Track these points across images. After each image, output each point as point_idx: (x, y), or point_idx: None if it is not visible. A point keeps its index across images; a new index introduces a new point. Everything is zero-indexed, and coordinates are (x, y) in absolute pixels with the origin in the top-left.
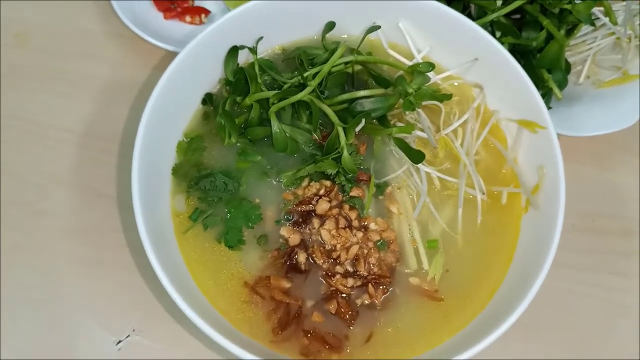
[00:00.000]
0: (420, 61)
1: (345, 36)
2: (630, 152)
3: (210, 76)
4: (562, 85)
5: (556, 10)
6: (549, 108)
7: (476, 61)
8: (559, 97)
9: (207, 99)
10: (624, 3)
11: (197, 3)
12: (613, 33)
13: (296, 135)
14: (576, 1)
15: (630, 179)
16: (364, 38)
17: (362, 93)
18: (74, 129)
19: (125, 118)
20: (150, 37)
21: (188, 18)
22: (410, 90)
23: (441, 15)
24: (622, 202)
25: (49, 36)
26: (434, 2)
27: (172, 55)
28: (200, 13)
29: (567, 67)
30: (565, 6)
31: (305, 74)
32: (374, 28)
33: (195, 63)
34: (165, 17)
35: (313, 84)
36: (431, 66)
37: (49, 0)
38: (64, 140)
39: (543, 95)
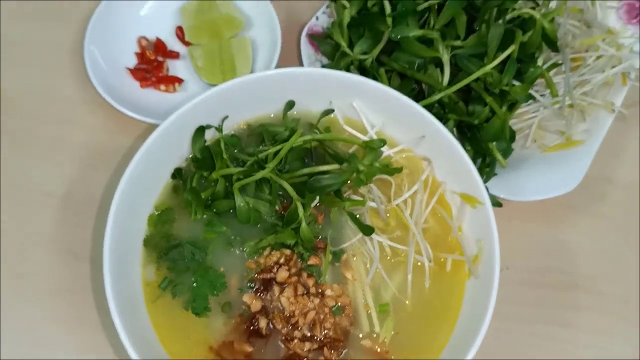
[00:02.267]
0: (374, 136)
1: (304, 111)
2: (575, 210)
3: (179, 152)
4: (506, 153)
5: (497, 91)
6: (494, 175)
7: (424, 138)
8: (503, 164)
9: (177, 174)
10: (564, 75)
11: (171, 72)
12: (557, 102)
13: (259, 206)
14: (514, 83)
15: (577, 236)
16: (319, 120)
17: (319, 169)
18: (53, 193)
19: (102, 183)
20: (125, 109)
21: (163, 87)
22: (361, 168)
23: (390, 98)
24: (570, 258)
25: (28, 102)
26: (383, 87)
27: (147, 124)
28: (174, 82)
29: (512, 136)
30: (505, 88)
31: (265, 154)
32: (329, 111)
33: (166, 141)
34: (141, 86)
35: (271, 165)
36: (382, 142)
37: (26, 67)
38: (43, 204)
39: (488, 165)
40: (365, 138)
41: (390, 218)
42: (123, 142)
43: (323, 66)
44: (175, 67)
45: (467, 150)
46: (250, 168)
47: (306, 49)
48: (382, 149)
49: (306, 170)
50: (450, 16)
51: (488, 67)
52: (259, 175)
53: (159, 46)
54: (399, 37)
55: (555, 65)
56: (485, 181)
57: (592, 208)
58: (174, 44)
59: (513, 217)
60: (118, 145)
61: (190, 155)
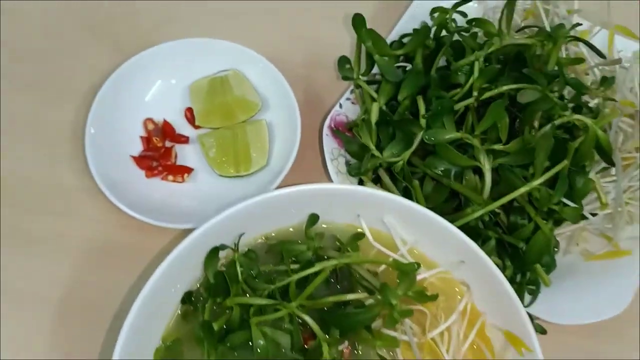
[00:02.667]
0: (406, 254)
1: (328, 223)
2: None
3: (190, 274)
4: (550, 269)
5: (545, 209)
6: (538, 292)
7: (461, 264)
8: (547, 283)
9: (187, 298)
10: (613, 178)
11: (180, 157)
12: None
13: (277, 336)
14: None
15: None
16: (347, 246)
17: (347, 297)
18: (50, 295)
19: (103, 287)
20: (126, 207)
21: (170, 177)
22: (394, 302)
23: (424, 218)
24: None
25: (23, 192)
26: (416, 207)
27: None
28: (182, 172)
29: (556, 247)
30: (554, 207)
31: (285, 282)
32: (359, 236)
33: (177, 265)
34: (147, 176)
35: (295, 304)
36: (417, 265)
37: (26, 149)
38: (40, 309)
39: (532, 282)
40: (397, 256)
41: (425, 352)
42: (126, 238)
43: (348, 164)
44: (185, 153)
45: (506, 267)
46: (268, 296)
47: (329, 143)
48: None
49: (332, 299)
50: (492, 121)
51: (535, 183)
52: (280, 313)
53: (167, 130)
54: (433, 141)
55: (604, 169)
56: (529, 304)
57: None
58: (183, 127)
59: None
60: (120, 242)
61: (203, 279)
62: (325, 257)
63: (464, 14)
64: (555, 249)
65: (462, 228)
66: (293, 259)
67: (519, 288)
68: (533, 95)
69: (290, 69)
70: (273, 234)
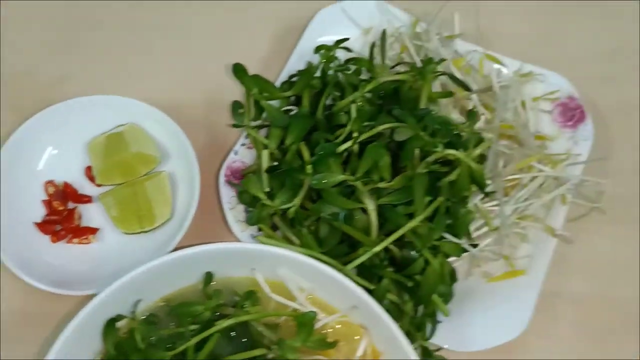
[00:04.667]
0: (304, 303)
1: (225, 279)
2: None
3: (92, 345)
4: (447, 298)
5: (428, 245)
6: (438, 322)
7: (355, 309)
8: (445, 313)
9: None
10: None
11: (85, 218)
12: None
13: None
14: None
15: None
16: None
17: (248, 355)
18: None
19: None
20: (30, 277)
21: (76, 240)
22: (291, 357)
23: (315, 269)
24: None
25: None
26: (306, 259)
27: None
28: (87, 233)
29: (453, 276)
30: (435, 243)
31: (184, 346)
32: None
33: (74, 339)
34: (52, 241)
35: None
36: (314, 314)
37: None
38: None
39: (430, 314)
40: (296, 305)
41: None
42: (34, 309)
43: (247, 211)
44: (90, 213)
45: (405, 301)
46: None
47: (226, 192)
48: (318, 315)
49: (233, 357)
50: (372, 160)
51: (416, 221)
52: None
53: (68, 192)
54: (320, 186)
55: (489, 194)
56: (429, 336)
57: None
58: (85, 186)
59: None
60: (29, 313)
61: (103, 351)
62: (225, 314)
63: (348, 50)
64: (456, 278)
65: (358, 268)
66: (192, 321)
67: (421, 321)
68: (406, 133)
69: (191, 117)
70: (173, 296)
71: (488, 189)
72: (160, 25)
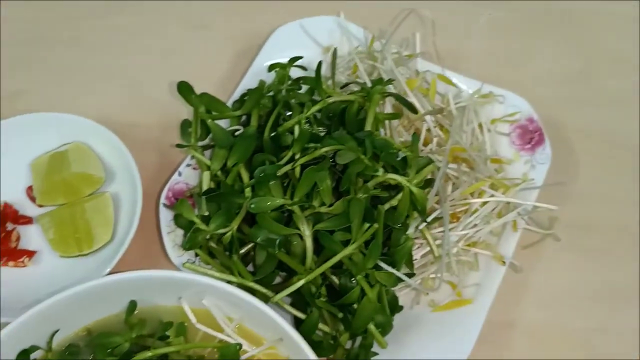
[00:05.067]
0: (231, 334)
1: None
2: None
3: None
4: (386, 329)
5: (363, 274)
6: (374, 355)
7: (281, 341)
8: (382, 345)
9: None
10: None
11: (24, 240)
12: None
13: None
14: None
15: None
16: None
17: None
18: None
19: None
20: None
21: (11, 263)
22: None
23: (240, 300)
24: None
25: None
26: (231, 289)
27: None
28: (23, 256)
29: (394, 306)
30: (369, 272)
31: None
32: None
33: None
34: None
35: None
36: (238, 346)
37: None
38: None
39: (366, 345)
40: (223, 336)
41: None
42: None
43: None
44: (29, 234)
45: (340, 332)
46: None
47: (165, 215)
48: (245, 347)
49: None
50: (310, 184)
51: (351, 248)
52: None
53: (7, 213)
54: (257, 210)
55: (436, 219)
56: None
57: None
58: (26, 207)
59: None
60: None
61: None
62: (147, 345)
63: (303, 68)
64: (397, 308)
65: (295, 296)
66: (110, 351)
67: (359, 352)
68: (348, 156)
69: (142, 135)
70: (95, 325)
71: (435, 215)
72: (115, 43)
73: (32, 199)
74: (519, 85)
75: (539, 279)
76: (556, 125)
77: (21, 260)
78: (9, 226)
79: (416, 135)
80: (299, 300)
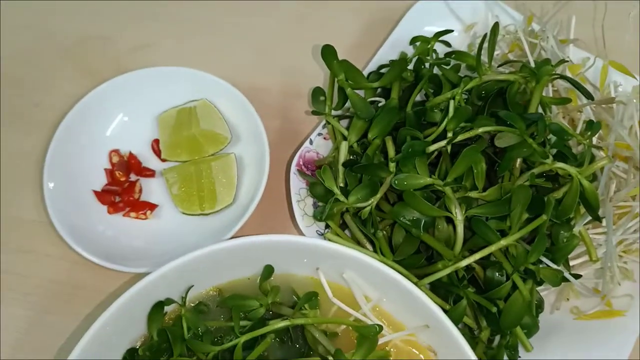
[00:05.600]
0: (368, 314)
1: (286, 275)
2: None
3: (134, 329)
4: (532, 331)
5: (522, 269)
6: (516, 357)
7: (426, 329)
8: (528, 348)
9: (129, 357)
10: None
11: (145, 192)
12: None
13: None
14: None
15: None
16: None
17: None
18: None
19: (57, 327)
20: (83, 250)
21: (133, 214)
22: None
23: (386, 277)
24: None
25: None
26: (380, 265)
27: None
28: (145, 208)
29: (540, 306)
30: (531, 267)
31: (232, 343)
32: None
33: (118, 320)
34: (109, 212)
35: None
36: (379, 329)
37: None
38: None
39: (510, 346)
40: (359, 315)
41: None
42: (83, 281)
43: (316, 206)
44: (151, 187)
45: (482, 328)
46: (214, 358)
47: (296, 183)
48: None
49: None
50: (466, 166)
51: (511, 239)
52: None
53: (132, 163)
54: (402, 187)
55: (595, 219)
56: None
57: None
58: (150, 160)
59: None
60: (78, 284)
61: (147, 335)
62: (280, 314)
63: (447, 44)
64: (540, 309)
65: (432, 284)
66: (244, 316)
67: (497, 352)
68: (511, 139)
69: (266, 99)
70: (227, 286)
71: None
72: (246, 4)
73: (157, 153)
74: None
75: None
76: None
77: (143, 212)
78: (133, 177)
79: (594, 123)
80: (436, 289)
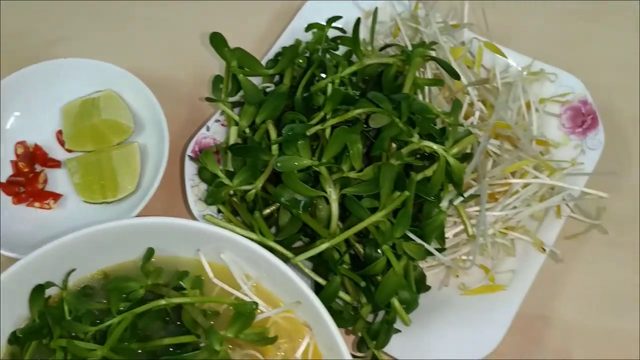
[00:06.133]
0: (248, 292)
1: (170, 258)
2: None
3: (18, 311)
4: (411, 306)
5: (389, 244)
6: (397, 332)
7: (299, 305)
8: (406, 322)
9: (13, 339)
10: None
11: (51, 183)
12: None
13: None
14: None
15: None
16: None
17: (167, 341)
18: None
19: None
20: None
21: (37, 204)
22: (218, 348)
23: (260, 258)
24: None
25: None
26: (251, 245)
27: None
28: (49, 198)
29: (421, 283)
30: (396, 241)
31: (107, 324)
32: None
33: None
34: (14, 202)
35: (106, 347)
36: (254, 305)
37: None
38: None
39: (389, 321)
40: (239, 294)
41: None
42: None
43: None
44: (56, 178)
45: (363, 304)
46: (94, 338)
47: (190, 169)
48: (261, 307)
49: (166, 341)
50: (340, 146)
51: (379, 215)
52: (94, 357)
53: (37, 154)
54: (283, 169)
55: (472, 197)
56: (381, 345)
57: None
58: (56, 150)
59: None
60: None
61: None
62: (162, 295)
63: (342, 30)
64: (425, 286)
65: (316, 262)
66: (125, 298)
67: (378, 328)
68: (383, 120)
69: (177, 89)
70: (113, 269)
71: (472, 191)
72: None
73: (62, 143)
74: (574, 68)
75: (580, 273)
76: (611, 113)
77: (47, 202)
78: (38, 168)
79: (458, 102)
80: (322, 266)
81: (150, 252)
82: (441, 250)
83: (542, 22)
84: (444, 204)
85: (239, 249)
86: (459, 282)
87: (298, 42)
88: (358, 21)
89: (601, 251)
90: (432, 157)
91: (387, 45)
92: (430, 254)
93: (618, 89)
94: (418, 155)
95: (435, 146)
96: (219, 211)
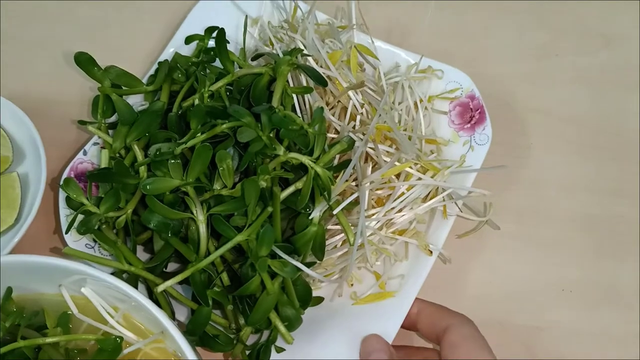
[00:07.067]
0: (115, 324)
1: (33, 295)
2: None
3: None
4: (294, 324)
5: (256, 262)
6: (281, 350)
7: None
8: (288, 340)
9: None
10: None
11: None
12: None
13: None
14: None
15: None
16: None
17: None
18: None
19: None
20: None
21: None
22: None
23: (119, 289)
24: None
25: None
26: (111, 279)
27: None
28: None
29: (306, 296)
30: (262, 260)
31: None
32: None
33: None
34: None
35: None
36: (119, 340)
37: None
38: None
39: (270, 341)
40: (107, 328)
41: None
42: None
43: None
44: None
45: (242, 326)
46: None
47: (64, 196)
48: (131, 339)
49: None
50: (203, 164)
51: (245, 234)
52: None
53: None
54: (151, 192)
55: (353, 204)
56: None
57: None
58: None
59: None
60: None
61: None
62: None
63: (225, 41)
64: (309, 299)
65: (195, 287)
66: None
67: (263, 349)
68: (250, 134)
69: (63, 112)
70: None
71: (351, 198)
72: (31, 14)
73: None
74: (474, 62)
75: (479, 271)
76: (512, 105)
77: None
78: None
79: (320, 109)
80: (197, 288)
81: (8, 291)
82: (311, 264)
83: (438, 16)
84: (315, 214)
85: (98, 282)
86: (352, 291)
87: (176, 55)
88: (222, 32)
89: (500, 246)
90: (306, 168)
91: (259, 55)
92: (298, 270)
93: (518, 79)
94: (293, 168)
95: (301, 158)
96: (95, 240)
